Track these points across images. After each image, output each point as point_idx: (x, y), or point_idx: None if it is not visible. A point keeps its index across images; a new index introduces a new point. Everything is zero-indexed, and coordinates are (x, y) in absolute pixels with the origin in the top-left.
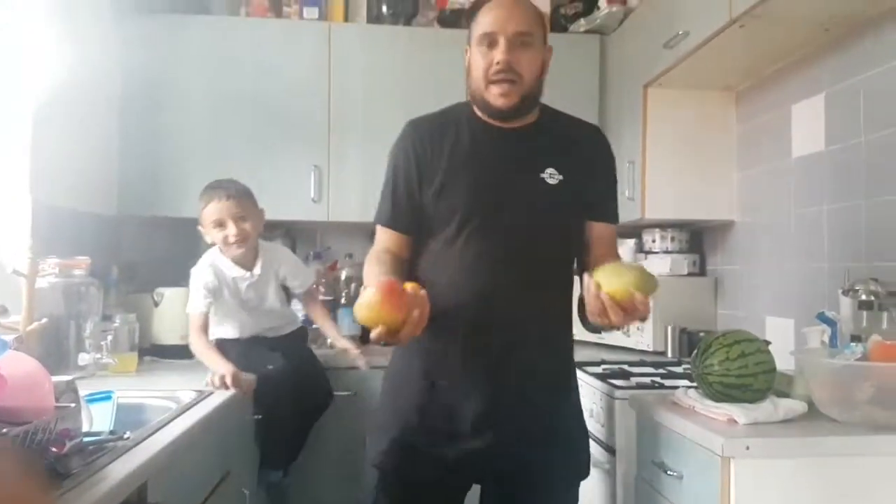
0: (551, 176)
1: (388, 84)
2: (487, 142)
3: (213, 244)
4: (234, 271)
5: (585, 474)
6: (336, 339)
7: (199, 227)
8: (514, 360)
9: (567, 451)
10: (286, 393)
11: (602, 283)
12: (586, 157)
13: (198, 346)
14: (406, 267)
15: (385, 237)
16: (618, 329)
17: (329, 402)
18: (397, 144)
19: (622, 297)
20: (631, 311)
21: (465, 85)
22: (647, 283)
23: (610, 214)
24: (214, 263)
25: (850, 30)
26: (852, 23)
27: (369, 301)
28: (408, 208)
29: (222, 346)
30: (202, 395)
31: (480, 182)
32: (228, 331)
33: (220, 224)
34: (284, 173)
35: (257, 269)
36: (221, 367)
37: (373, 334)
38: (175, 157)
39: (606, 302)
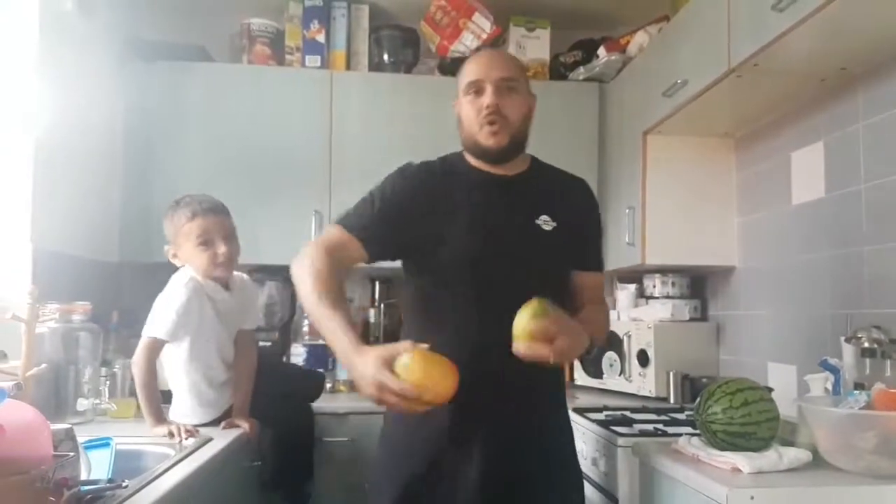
0: (546, 222)
1: (389, 131)
2: (484, 189)
3: (180, 266)
4: (218, 292)
5: None
6: (239, 402)
7: (168, 247)
8: (514, 405)
9: (564, 492)
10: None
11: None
12: (576, 207)
13: (144, 376)
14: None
15: (339, 238)
16: (563, 361)
17: (319, 391)
18: (398, 176)
19: (523, 338)
20: (548, 344)
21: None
22: (537, 315)
23: (596, 264)
24: (194, 281)
25: (847, 81)
26: (848, 75)
27: (440, 374)
28: (378, 229)
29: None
30: (201, 442)
31: (480, 229)
32: (205, 376)
33: (207, 243)
34: (285, 218)
35: (236, 293)
36: (153, 424)
37: (418, 406)
38: None
39: (518, 349)
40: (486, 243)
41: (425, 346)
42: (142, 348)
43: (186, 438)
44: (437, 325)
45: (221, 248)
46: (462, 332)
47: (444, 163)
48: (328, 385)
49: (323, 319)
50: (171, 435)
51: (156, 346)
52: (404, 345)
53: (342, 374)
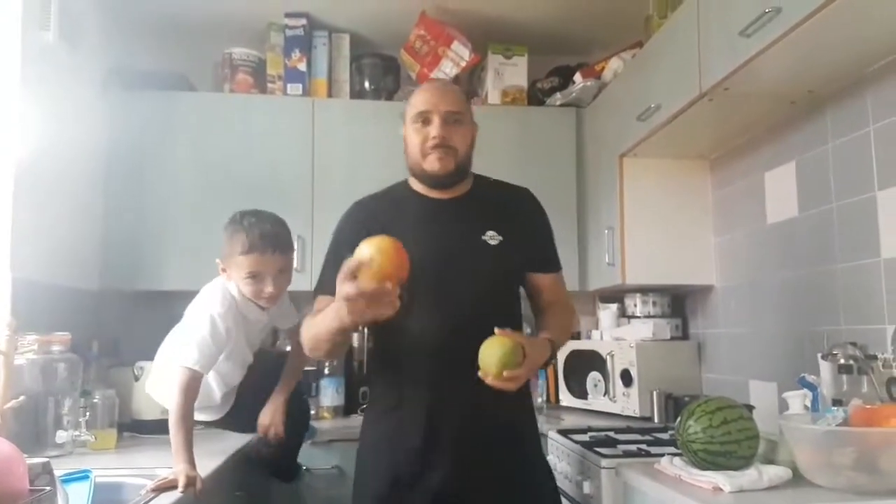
0: (492, 238)
1: (371, 157)
2: (428, 212)
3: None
4: (255, 314)
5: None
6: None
7: (220, 262)
8: (474, 420)
9: (538, 489)
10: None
11: (480, 363)
12: (521, 217)
13: (182, 417)
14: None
15: (321, 307)
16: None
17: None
18: (343, 220)
19: (491, 373)
20: (506, 383)
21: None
22: (508, 359)
23: (549, 265)
24: (233, 299)
25: (815, 103)
26: (815, 97)
27: (383, 246)
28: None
29: None
30: None
31: (425, 251)
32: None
33: (256, 278)
34: None
35: (273, 309)
36: (182, 466)
37: (371, 286)
38: (158, 231)
39: (489, 382)
40: (435, 262)
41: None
42: (181, 382)
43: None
44: (398, 340)
45: (269, 288)
46: (421, 347)
47: (390, 192)
48: (312, 411)
49: (317, 330)
50: (187, 485)
51: (196, 378)
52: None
53: (325, 401)
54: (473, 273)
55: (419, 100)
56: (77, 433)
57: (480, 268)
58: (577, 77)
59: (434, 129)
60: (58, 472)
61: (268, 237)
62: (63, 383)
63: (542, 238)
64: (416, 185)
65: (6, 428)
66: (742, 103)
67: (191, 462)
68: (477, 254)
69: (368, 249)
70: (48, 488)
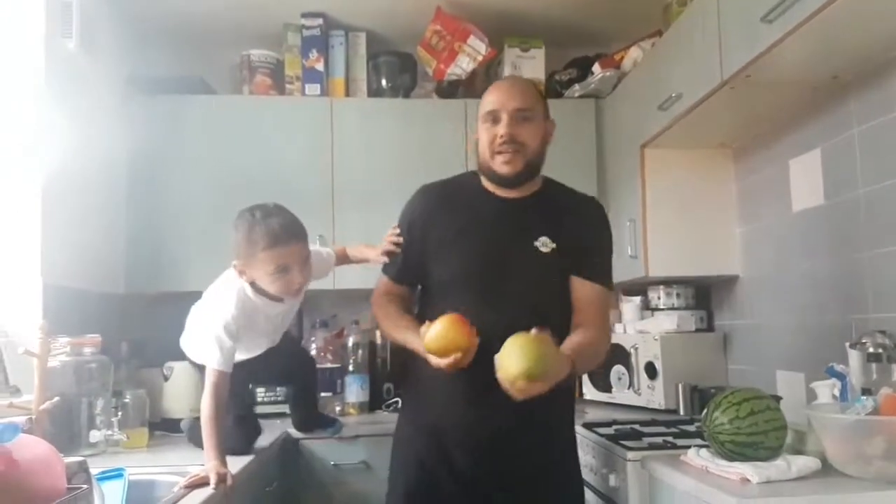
0: (544, 244)
1: (389, 155)
2: (487, 210)
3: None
4: (270, 307)
5: None
6: (364, 252)
7: (237, 262)
8: (512, 420)
9: (563, 487)
10: None
11: (497, 363)
12: (579, 226)
13: (212, 416)
14: (411, 310)
15: (388, 285)
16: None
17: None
18: (407, 205)
19: (508, 379)
20: (521, 392)
21: (463, 153)
22: (531, 370)
23: (592, 271)
24: (248, 299)
25: (838, 89)
26: (839, 83)
27: (444, 332)
28: (406, 264)
29: None
30: None
31: (475, 249)
32: None
33: (284, 271)
34: None
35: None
36: (213, 463)
37: (446, 361)
38: (180, 234)
39: (503, 383)
40: (482, 262)
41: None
42: (211, 383)
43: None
44: None
45: (298, 278)
46: None
47: (455, 183)
48: (338, 408)
49: (405, 343)
50: (219, 481)
51: (223, 376)
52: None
53: (351, 397)
54: (520, 279)
55: (489, 99)
56: (110, 433)
57: (528, 274)
58: (596, 68)
59: (502, 128)
60: (93, 471)
61: (288, 227)
62: (95, 384)
63: (596, 247)
64: (484, 180)
65: (42, 428)
66: (764, 91)
67: (222, 459)
68: (526, 260)
69: (441, 333)
70: (85, 486)
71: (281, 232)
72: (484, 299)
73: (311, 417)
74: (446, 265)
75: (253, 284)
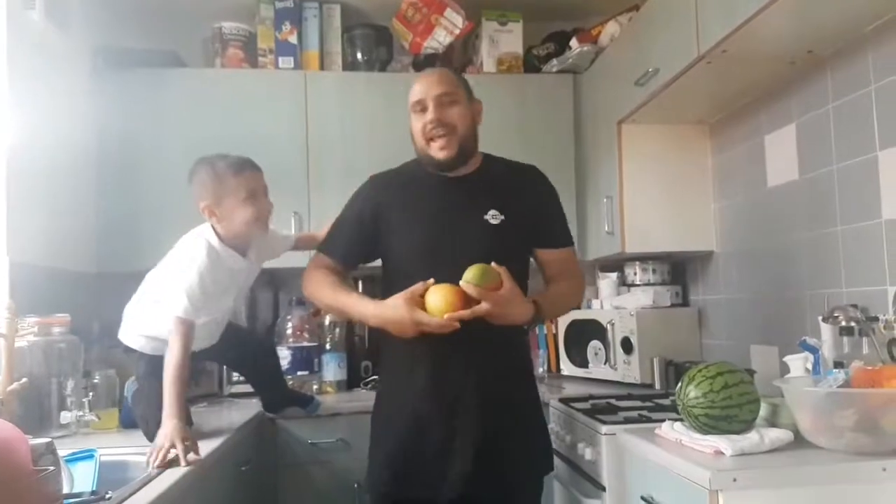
0: (494, 217)
1: (365, 129)
2: (435, 191)
3: (212, 233)
4: (234, 261)
5: (550, 468)
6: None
7: (205, 204)
8: (477, 382)
9: (529, 445)
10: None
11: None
12: (526, 195)
13: (179, 368)
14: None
15: (325, 261)
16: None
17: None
18: (358, 193)
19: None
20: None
21: None
22: (482, 276)
23: (554, 240)
24: (214, 249)
25: (815, 63)
26: (815, 58)
27: (445, 296)
28: (352, 246)
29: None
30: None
31: (430, 227)
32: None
33: (254, 197)
34: None
35: (252, 255)
36: (174, 423)
37: (439, 322)
38: (153, 211)
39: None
40: (437, 240)
41: (431, 281)
42: (178, 331)
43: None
44: None
45: (267, 205)
46: None
47: (403, 169)
48: (315, 386)
49: (344, 307)
50: (187, 451)
51: (189, 325)
52: (419, 286)
53: (328, 376)
54: (475, 251)
55: (414, 91)
56: (81, 414)
57: (481, 246)
58: (574, 42)
59: (430, 114)
60: (63, 452)
61: (244, 158)
62: (65, 365)
63: (550, 214)
64: (425, 166)
65: (10, 410)
66: (741, 65)
67: (183, 417)
68: (478, 233)
69: (448, 300)
70: (52, 468)
71: (244, 160)
72: (440, 276)
73: (282, 397)
74: (401, 247)
75: (218, 235)
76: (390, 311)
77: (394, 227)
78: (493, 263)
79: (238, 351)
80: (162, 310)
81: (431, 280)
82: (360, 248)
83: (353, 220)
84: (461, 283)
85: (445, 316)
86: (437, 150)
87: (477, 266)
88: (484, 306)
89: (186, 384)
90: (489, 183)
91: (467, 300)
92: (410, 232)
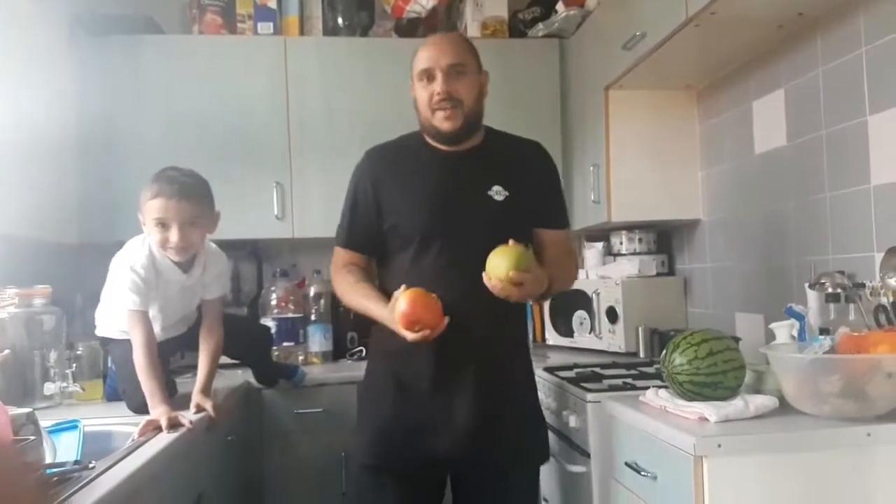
0: (497, 193)
1: (348, 97)
2: (437, 165)
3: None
4: (173, 272)
5: (546, 458)
6: (201, 382)
7: (139, 215)
8: (475, 360)
9: (527, 435)
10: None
11: (487, 269)
12: (529, 172)
13: (145, 362)
14: (371, 278)
15: (345, 256)
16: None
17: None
18: (355, 172)
19: (499, 275)
20: (502, 290)
21: None
22: (519, 261)
23: (555, 221)
24: (151, 254)
25: (804, 27)
26: (805, 20)
27: (410, 311)
28: (365, 230)
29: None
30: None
31: (433, 203)
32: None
33: (163, 225)
34: (247, 191)
35: (196, 272)
36: (161, 409)
37: (413, 336)
38: (134, 181)
39: (493, 286)
40: (441, 216)
41: (418, 288)
42: (134, 323)
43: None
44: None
45: (174, 236)
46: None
47: (400, 144)
48: (301, 357)
49: (367, 311)
50: (171, 425)
51: (143, 314)
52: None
53: (314, 347)
54: (479, 227)
55: (422, 57)
56: (65, 385)
57: (486, 222)
58: (560, 6)
59: (438, 85)
60: (47, 423)
61: (175, 183)
62: (48, 336)
63: (551, 194)
64: (428, 138)
65: None
66: (729, 28)
67: (168, 403)
68: (483, 208)
69: (411, 306)
70: (32, 438)
71: (166, 186)
72: (445, 254)
73: (270, 372)
74: (404, 225)
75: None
76: (387, 316)
77: (395, 204)
78: (511, 242)
79: (233, 340)
80: (117, 305)
81: (402, 287)
82: (365, 230)
83: (364, 205)
84: (511, 273)
85: (415, 335)
86: (442, 121)
87: (512, 251)
88: (520, 292)
89: (158, 368)
90: (493, 158)
91: (428, 308)
92: (412, 209)
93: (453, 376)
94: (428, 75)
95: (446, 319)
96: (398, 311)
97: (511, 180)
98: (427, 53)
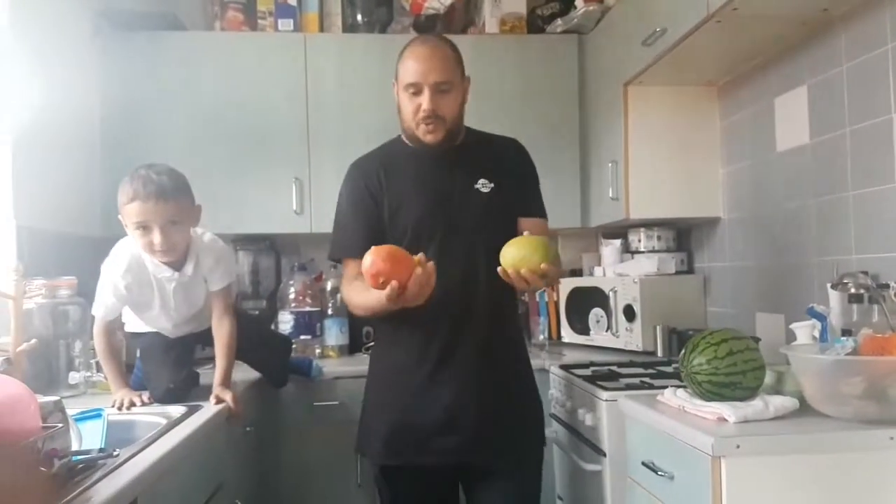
0: (484, 185)
1: (366, 92)
2: (424, 166)
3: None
4: (161, 270)
5: (542, 441)
6: (219, 375)
7: (120, 217)
8: (471, 345)
9: (525, 420)
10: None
11: (514, 261)
12: (510, 165)
13: (102, 350)
14: None
15: (351, 267)
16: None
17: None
18: (346, 184)
19: (531, 266)
20: (530, 281)
21: None
22: (550, 253)
23: (537, 210)
24: (136, 258)
25: (828, 23)
26: (829, 16)
27: (372, 266)
28: (367, 237)
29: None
30: (192, 410)
31: (425, 202)
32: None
33: (144, 227)
34: (266, 186)
35: (189, 269)
36: (122, 391)
37: (388, 294)
38: None
39: (507, 275)
40: (433, 210)
41: (386, 245)
42: (96, 328)
43: (129, 407)
44: None
45: (157, 238)
46: None
47: (384, 149)
48: (318, 350)
49: (367, 305)
50: (122, 405)
51: (103, 326)
52: None
53: (330, 340)
54: (470, 221)
55: (408, 70)
56: (89, 374)
57: (476, 215)
58: (579, 2)
59: (424, 102)
60: (72, 411)
61: (151, 184)
62: (73, 326)
63: (531, 185)
64: (410, 142)
65: (20, 370)
66: (751, 25)
67: (127, 386)
68: (472, 202)
69: (374, 261)
70: (60, 425)
71: (141, 188)
72: (441, 249)
73: (284, 376)
74: (401, 226)
75: None
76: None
77: (391, 200)
78: (525, 233)
79: (253, 348)
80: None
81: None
82: (367, 238)
83: (357, 213)
84: (543, 266)
85: (387, 293)
86: (426, 134)
87: (541, 243)
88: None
89: (115, 362)
90: (475, 154)
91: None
92: (406, 209)
93: (450, 360)
94: (415, 89)
95: (417, 270)
96: (363, 269)
97: (494, 173)
98: (416, 67)
